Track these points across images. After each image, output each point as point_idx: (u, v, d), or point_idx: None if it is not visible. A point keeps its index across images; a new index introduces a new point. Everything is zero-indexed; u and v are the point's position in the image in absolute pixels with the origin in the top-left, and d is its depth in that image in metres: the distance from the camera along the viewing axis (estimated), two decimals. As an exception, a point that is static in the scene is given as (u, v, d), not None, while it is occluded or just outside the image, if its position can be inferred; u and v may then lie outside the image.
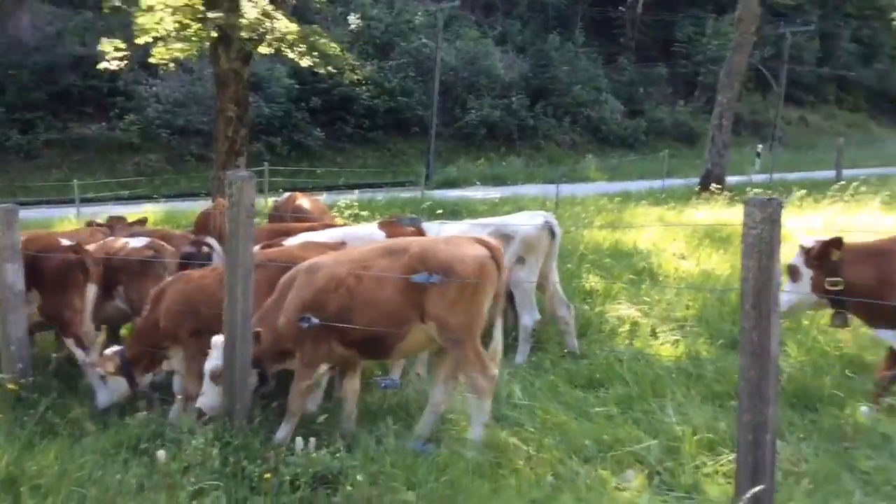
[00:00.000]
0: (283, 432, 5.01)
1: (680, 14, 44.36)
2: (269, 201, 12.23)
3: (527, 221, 6.97)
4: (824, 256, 5.36)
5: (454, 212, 15.71)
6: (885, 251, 5.36)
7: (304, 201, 8.52)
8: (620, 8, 45.40)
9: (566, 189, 20.51)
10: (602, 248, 11.12)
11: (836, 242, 5.36)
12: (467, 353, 4.83)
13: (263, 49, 15.55)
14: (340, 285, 4.93)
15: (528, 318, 6.80)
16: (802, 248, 5.38)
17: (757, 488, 3.41)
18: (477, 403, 4.90)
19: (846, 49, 49.60)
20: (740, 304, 3.54)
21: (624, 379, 5.96)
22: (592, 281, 9.00)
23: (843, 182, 17.05)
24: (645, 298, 8.12)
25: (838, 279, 5.29)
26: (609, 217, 15.19)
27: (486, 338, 5.02)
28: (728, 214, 14.54)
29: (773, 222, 3.47)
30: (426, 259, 4.85)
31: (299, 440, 4.70)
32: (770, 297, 3.46)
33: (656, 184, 23.47)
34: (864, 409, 5.12)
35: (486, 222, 7.30)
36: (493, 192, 20.61)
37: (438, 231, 6.90)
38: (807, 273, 5.36)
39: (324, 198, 13.62)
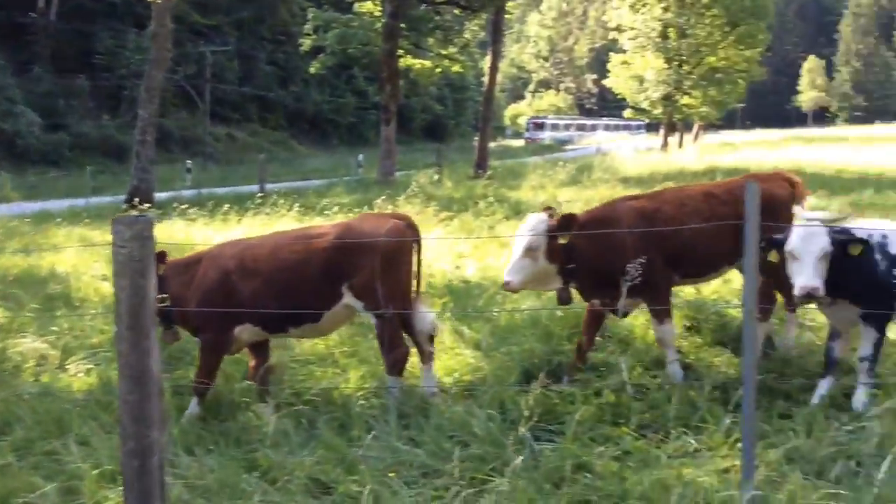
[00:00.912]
0: None
1: (98, 25, 42.53)
2: None
3: None
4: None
5: None
6: (191, 263, 5.69)
7: None
8: (31, 14, 41.60)
9: (-30, 211, 17.98)
10: (9, 275, 9.96)
11: (161, 256, 5.33)
12: None
13: None
14: None
15: None
16: None
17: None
18: None
19: (264, 71, 53.43)
20: (115, 327, 3.36)
21: (24, 421, 5.35)
22: (-5, 314, 7.98)
23: (263, 195, 18.27)
24: (54, 328, 7.45)
25: (164, 294, 5.35)
26: (23, 241, 13.73)
27: None
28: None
29: (144, 240, 3.35)
30: None
31: None
32: (146, 316, 3.34)
33: (81, 202, 22.12)
34: (265, 410, 5.40)
35: None
36: None
37: None
38: None
39: None
